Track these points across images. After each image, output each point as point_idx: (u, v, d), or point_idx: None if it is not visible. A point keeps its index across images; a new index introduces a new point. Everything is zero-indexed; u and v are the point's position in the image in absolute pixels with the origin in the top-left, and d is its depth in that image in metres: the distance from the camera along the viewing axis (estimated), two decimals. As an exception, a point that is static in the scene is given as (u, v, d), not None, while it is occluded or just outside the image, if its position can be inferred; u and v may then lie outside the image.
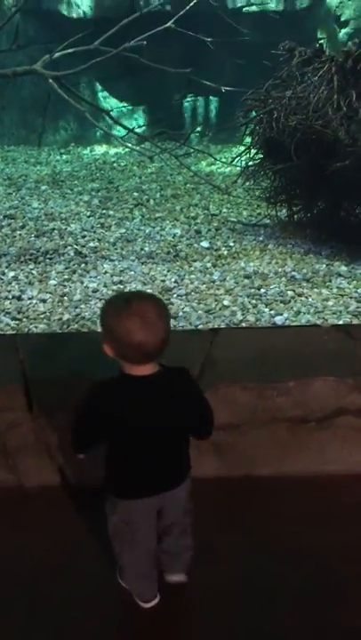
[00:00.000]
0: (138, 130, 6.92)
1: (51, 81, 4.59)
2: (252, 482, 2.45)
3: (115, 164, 6.90)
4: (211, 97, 7.54)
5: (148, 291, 3.88)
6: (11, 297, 3.79)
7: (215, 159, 5.57)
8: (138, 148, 5.48)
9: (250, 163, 4.81)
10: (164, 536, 1.99)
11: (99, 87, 7.16)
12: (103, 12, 6.64)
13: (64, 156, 7.29)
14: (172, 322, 3.52)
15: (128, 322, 1.70)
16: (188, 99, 7.69)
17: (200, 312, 3.59)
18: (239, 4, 7.26)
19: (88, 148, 7.46)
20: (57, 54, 4.66)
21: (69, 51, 4.67)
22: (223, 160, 5.87)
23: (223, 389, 2.39)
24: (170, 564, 2.06)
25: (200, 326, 3.45)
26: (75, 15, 6.86)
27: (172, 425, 1.84)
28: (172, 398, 1.83)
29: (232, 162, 5.10)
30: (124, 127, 5.49)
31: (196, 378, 2.43)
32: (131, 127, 6.26)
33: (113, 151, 7.36)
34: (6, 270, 4.16)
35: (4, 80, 6.43)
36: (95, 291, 3.89)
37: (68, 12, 6.84)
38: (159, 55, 4.97)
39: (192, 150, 5.60)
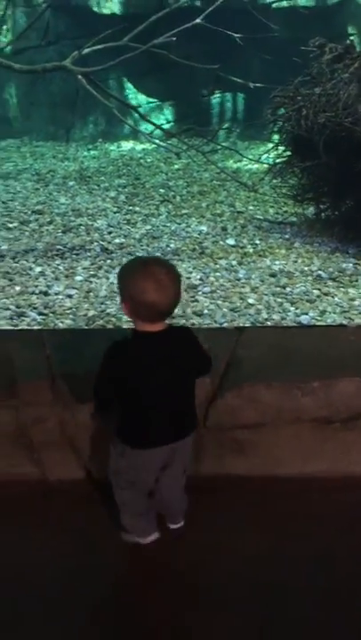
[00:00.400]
0: (165, 126, 6.94)
1: (80, 77, 4.61)
2: (276, 481, 2.44)
3: (141, 161, 6.91)
4: (239, 93, 7.50)
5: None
6: (37, 292, 3.82)
7: (242, 156, 5.54)
8: (165, 144, 5.49)
9: (277, 160, 4.78)
10: (163, 483, 2.12)
11: (127, 83, 7.17)
12: (133, 9, 6.64)
13: (91, 152, 7.33)
14: (197, 319, 3.53)
15: (143, 283, 1.89)
16: (216, 95, 7.67)
17: (225, 310, 3.59)
18: (269, 0, 7.21)
19: (115, 144, 7.49)
20: (86, 50, 4.68)
21: (99, 47, 4.69)
22: (250, 157, 5.84)
23: (248, 388, 2.38)
24: (169, 513, 2.23)
25: (225, 324, 3.44)
26: (105, 11, 6.87)
27: (180, 373, 2.01)
28: (179, 349, 2.01)
29: (260, 159, 5.08)
30: (152, 123, 5.50)
31: (221, 376, 2.44)
32: (158, 123, 6.27)
33: (140, 147, 7.37)
34: (33, 265, 4.20)
35: (33, 76, 6.49)
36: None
37: (99, 8, 6.85)
38: (188, 51, 4.96)
39: (219, 147, 5.58)
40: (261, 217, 5.11)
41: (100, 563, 2.17)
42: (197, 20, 4.45)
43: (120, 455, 2.06)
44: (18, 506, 2.37)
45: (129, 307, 1.94)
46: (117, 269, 4.10)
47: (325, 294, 3.74)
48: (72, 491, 2.42)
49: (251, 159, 5.70)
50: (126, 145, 7.50)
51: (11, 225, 4.95)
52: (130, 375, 1.96)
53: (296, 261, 4.26)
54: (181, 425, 2.06)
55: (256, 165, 6.08)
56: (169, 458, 2.07)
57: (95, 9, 6.85)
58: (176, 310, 3.60)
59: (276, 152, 4.77)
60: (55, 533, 2.29)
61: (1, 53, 4.92)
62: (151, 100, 7.60)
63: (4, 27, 6.33)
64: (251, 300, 3.68)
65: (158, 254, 4.40)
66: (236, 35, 4.50)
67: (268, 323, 3.44)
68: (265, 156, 4.90)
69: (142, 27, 4.56)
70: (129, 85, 7.21)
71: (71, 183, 6.07)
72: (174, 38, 4.38)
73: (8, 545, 2.24)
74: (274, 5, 7.23)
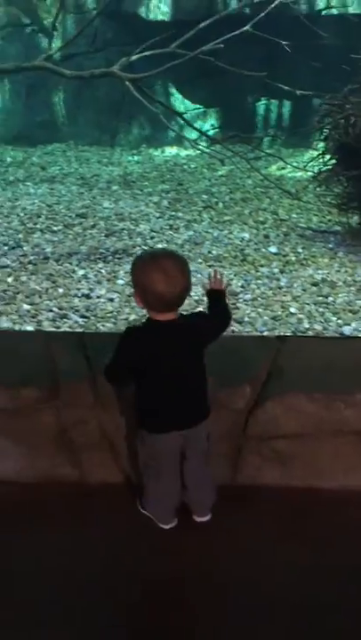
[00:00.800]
0: (210, 132, 6.94)
1: (127, 83, 4.66)
2: (315, 494, 2.40)
3: (185, 166, 6.93)
4: (285, 100, 7.46)
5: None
6: (80, 295, 3.87)
7: (286, 163, 5.51)
8: (208, 150, 5.49)
9: (323, 168, 4.74)
10: (186, 473, 2.19)
11: (173, 89, 7.22)
12: (182, 16, 6.68)
13: (135, 157, 7.39)
14: (238, 327, 3.51)
15: (152, 274, 1.99)
16: (262, 101, 7.65)
17: (266, 318, 3.56)
18: (319, 7, 7.16)
19: (159, 150, 7.53)
20: (134, 57, 4.72)
21: (147, 53, 4.73)
22: (294, 164, 5.81)
23: (289, 399, 2.36)
24: (196, 505, 2.26)
25: (265, 332, 3.42)
26: (153, 18, 6.93)
27: (190, 361, 2.10)
28: (189, 337, 2.10)
29: (305, 167, 5.04)
30: (197, 130, 5.53)
31: (263, 385, 2.42)
32: (203, 129, 6.30)
33: (184, 153, 7.40)
34: (76, 268, 4.25)
35: (80, 81, 6.57)
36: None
37: (147, 15, 6.92)
38: (235, 57, 4.96)
39: (263, 154, 5.56)
40: (305, 225, 5.07)
41: (136, 565, 2.17)
42: (246, 28, 4.45)
43: (141, 443, 2.18)
44: (57, 507, 2.39)
45: (140, 297, 2.05)
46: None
47: (369, 305, 3.69)
48: (110, 493, 2.43)
49: (295, 167, 5.67)
50: (170, 150, 7.54)
51: (55, 228, 5.02)
52: (141, 361, 2.06)
53: (339, 271, 4.21)
54: (191, 412, 2.14)
55: (300, 173, 6.04)
56: (185, 445, 2.14)
57: (144, 16, 6.92)
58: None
59: (321, 160, 4.73)
60: (93, 536, 2.30)
61: (50, 59, 4.99)
62: (196, 106, 7.63)
63: (55, 33, 6.43)
64: (292, 309, 3.65)
65: (200, 260, 4.41)
66: (284, 42, 4.48)
67: (310, 332, 3.41)
68: (310, 163, 4.86)
69: (191, 34, 4.58)
70: (175, 91, 7.26)
71: (115, 187, 6.13)
72: (222, 45, 4.38)
73: (46, 546, 2.26)
74: (323, 13, 7.18)
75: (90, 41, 6.06)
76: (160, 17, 6.94)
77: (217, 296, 2.25)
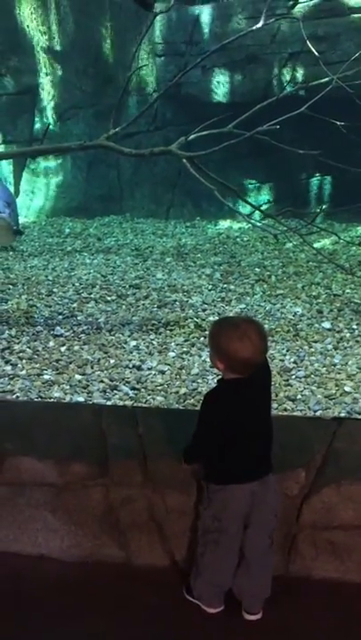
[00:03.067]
0: (263, 206, 7.05)
1: (184, 161, 4.81)
2: (373, 591, 2.26)
3: (238, 239, 7.02)
4: (338, 177, 7.55)
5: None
6: (131, 366, 3.87)
7: (340, 238, 5.51)
8: (261, 224, 5.56)
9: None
10: (248, 550, 2.15)
11: (227, 164, 7.42)
12: (239, 98, 6.94)
13: (189, 230, 7.54)
14: (291, 405, 3.43)
15: (238, 343, 2.10)
16: (316, 177, 7.76)
17: (319, 396, 3.48)
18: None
19: (212, 223, 7.68)
20: (192, 136, 4.89)
21: (204, 133, 4.90)
22: (348, 239, 5.79)
23: (346, 486, 2.25)
24: (248, 597, 2.19)
25: (319, 412, 3.33)
26: (211, 100, 7.22)
27: (264, 413, 2.21)
28: (263, 389, 2.23)
29: (359, 242, 5.02)
30: (250, 204, 5.60)
31: (318, 470, 2.33)
32: (257, 204, 6.40)
33: (237, 226, 7.51)
34: (128, 339, 4.28)
35: (138, 158, 6.84)
36: (213, 366, 3.89)
37: (205, 96, 7.21)
38: (289, 135, 5.09)
39: (316, 229, 5.58)
40: (359, 301, 5.00)
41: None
42: (302, 109, 4.56)
43: (207, 502, 2.15)
44: (100, 589, 2.31)
45: (225, 364, 2.14)
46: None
47: None
48: (156, 577, 2.34)
49: (348, 241, 5.66)
50: (223, 223, 7.67)
51: (109, 298, 5.11)
52: (228, 420, 2.12)
53: (396, 349, 4.10)
54: (263, 462, 2.18)
55: (354, 248, 6.03)
56: (252, 506, 2.12)
57: (202, 98, 7.21)
58: (269, 393, 3.55)
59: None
60: (136, 620, 2.20)
61: (112, 138, 5.23)
62: (250, 181, 7.79)
63: (117, 113, 6.76)
64: (347, 388, 3.56)
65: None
66: (339, 122, 4.57)
67: (366, 413, 3.29)
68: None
69: (247, 115, 4.73)
70: (229, 166, 7.46)
71: (168, 259, 6.23)
72: (278, 127, 4.50)
73: (87, 629, 2.17)
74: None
75: (150, 120, 6.34)
76: (217, 99, 7.22)
77: None
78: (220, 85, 7.27)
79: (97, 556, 2.38)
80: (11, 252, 6.28)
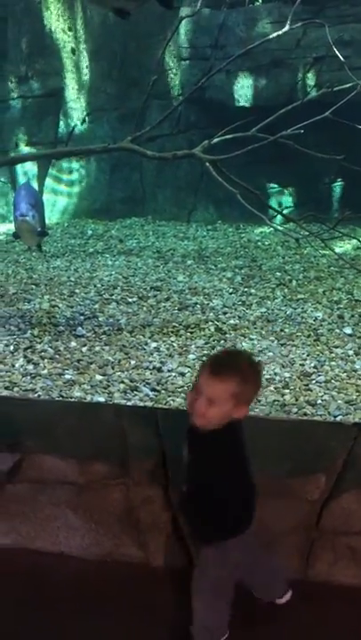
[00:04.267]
0: (285, 211, 7.04)
1: (207, 164, 4.83)
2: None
3: (259, 243, 7.02)
4: (361, 182, 7.52)
5: (286, 374, 3.83)
6: (152, 367, 3.90)
7: (362, 243, 5.48)
8: (283, 228, 5.55)
9: None
10: (255, 574, 2.12)
11: (250, 168, 7.42)
12: (263, 102, 6.93)
13: (210, 233, 7.56)
14: (311, 409, 3.43)
15: (258, 380, 1.96)
16: (338, 182, 7.72)
17: (340, 402, 3.47)
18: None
19: (234, 226, 7.68)
20: (215, 140, 4.91)
21: (228, 137, 4.92)
22: (371, 245, 5.76)
23: (367, 492, 2.25)
24: (270, 593, 2.17)
25: (339, 417, 3.32)
26: (235, 104, 7.23)
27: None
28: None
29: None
30: (272, 208, 5.61)
31: (338, 475, 2.33)
32: (278, 208, 6.39)
33: (258, 230, 7.51)
34: (149, 341, 4.30)
35: (162, 161, 6.87)
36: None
37: (230, 100, 7.23)
38: (313, 140, 5.08)
39: (338, 234, 5.57)
40: (381, 306, 4.98)
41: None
42: (326, 114, 4.56)
43: (212, 559, 1.99)
44: (118, 588, 2.33)
45: (245, 407, 1.91)
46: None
47: None
48: (174, 578, 2.35)
49: (371, 247, 5.62)
50: (245, 227, 7.67)
51: (130, 299, 5.14)
52: (238, 459, 1.96)
53: None
54: (254, 507, 2.02)
55: (376, 253, 5.99)
56: (244, 546, 2.01)
57: (226, 102, 7.22)
58: (288, 398, 3.55)
59: None
60: (153, 620, 2.22)
61: (135, 141, 5.26)
62: (273, 185, 7.78)
63: (141, 116, 6.80)
64: (368, 394, 3.54)
65: (272, 338, 4.38)
66: (362, 127, 4.56)
67: (387, 420, 3.28)
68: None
69: (271, 119, 4.73)
70: (252, 170, 7.46)
71: (190, 262, 6.25)
72: (302, 131, 4.50)
73: (105, 628, 2.19)
74: None
75: (173, 124, 6.35)
76: (241, 103, 7.23)
77: None
78: (245, 89, 7.28)
79: (116, 555, 2.40)
80: (34, 253, 6.33)
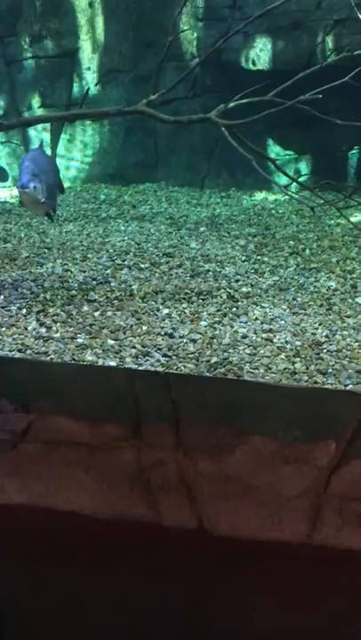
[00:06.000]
0: (300, 178, 6.95)
1: (223, 129, 4.76)
2: None
3: (273, 211, 6.96)
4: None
5: (297, 343, 3.83)
6: (163, 334, 3.91)
7: (378, 213, 5.43)
8: (298, 196, 5.49)
9: None
10: None
11: (265, 135, 7.31)
12: (281, 65, 6.79)
13: (224, 200, 7.49)
14: (321, 378, 3.44)
15: None
16: (355, 150, 7.61)
17: (351, 371, 3.48)
18: None
19: (248, 193, 7.61)
20: (232, 104, 4.84)
21: (245, 101, 4.83)
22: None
23: (376, 460, 2.26)
24: None
25: (350, 386, 3.33)
26: (252, 67, 7.09)
27: None
28: None
29: None
30: (288, 176, 5.54)
31: (348, 442, 2.34)
32: (293, 175, 6.31)
33: (272, 198, 7.44)
34: (161, 307, 4.31)
35: (176, 125, 6.77)
36: (244, 337, 3.91)
37: (247, 64, 7.09)
38: (331, 106, 4.98)
39: (354, 202, 5.50)
40: (395, 277, 4.94)
41: (204, 615, 2.11)
42: (346, 79, 4.47)
43: None
44: (128, 547, 2.38)
45: None
46: (243, 318, 4.15)
47: None
48: (183, 539, 2.39)
49: (387, 217, 5.56)
50: (259, 195, 7.60)
51: (142, 265, 5.13)
52: None
53: None
54: None
55: (392, 223, 5.90)
56: None
57: (243, 65, 7.08)
58: (299, 366, 3.57)
59: None
60: (162, 580, 2.27)
61: (150, 104, 5.18)
62: (289, 152, 7.68)
63: (155, 79, 6.68)
64: (379, 364, 3.54)
65: (284, 307, 4.37)
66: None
67: None
68: None
69: (289, 83, 4.65)
70: (267, 137, 7.35)
71: (202, 229, 6.22)
72: (320, 96, 4.42)
73: (114, 585, 2.25)
74: None
75: (188, 87, 6.25)
76: (259, 66, 7.09)
77: None
78: (263, 52, 7.13)
79: (127, 515, 2.43)
80: (46, 218, 6.31)
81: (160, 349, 3.73)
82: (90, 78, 7.85)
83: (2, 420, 2.46)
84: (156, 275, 4.96)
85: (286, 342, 3.82)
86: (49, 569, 2.33)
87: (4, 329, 3.94)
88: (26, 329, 3.95)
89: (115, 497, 2.44)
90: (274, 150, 7.44)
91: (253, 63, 7.02)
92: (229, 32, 5.59)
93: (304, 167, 7.61)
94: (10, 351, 3.65)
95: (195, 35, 7.46)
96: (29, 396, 2.56)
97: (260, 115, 4.63)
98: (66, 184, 7.96)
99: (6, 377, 2.77)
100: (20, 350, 3.70)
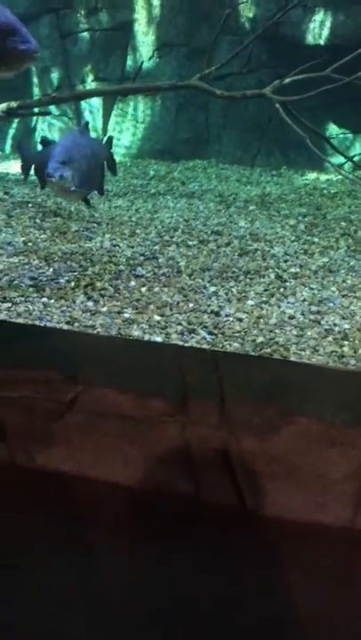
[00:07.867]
0: (355, 158, 6.78)
1: (277, 105, 4.67)
2: None
3: (325, 191, 6.81)
4: None
5: (346, 326, 3.77)
6: (209, 312, 3.90)
7: None
8: (353, 176, 5.36)
9: None
10: None
11: (320, 112, 7.14)
12: (339, 40, 6.60)
13: (275, 179, 7.37)
14: (369, 362, 3.38)
15: None
16: None
17: None
18: None
19: (300, 172, 7.46)
20: (288, 80, 4.74)
21: (301, 77, 4.73)
22: None
23: None
24: None
25: None
26: (310, 42, 6.91)
27: None
28: None
29: None
30: (343, 155, 5.42)
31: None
32: (349, 155, 6.16)
33: (324, 177, 7.27)
34: (208, 285, 4.29)
35: (228, 101, 6.67)
36: (291, 317, 3.86)
37: (304, 38, 6.91)
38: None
39: None
40: None
41: (241, 593, 2.13)
42: None
43: None
44: (168, 523, 2.40)
45: None
46: (290, 298, 4.10)
47: None
48: (224, 516, 2.40)
49: None
50: (311, 174, 7.45)
51: (190, 243, 5.11)
52: None
53: None
54: None
55: None
56: None
57: (300, 40, 6.91)
58: (347, 350, 3.51)
59: None
60: (202, 553, 2.29)
61: (204, 79, 5.11)
62: (345, 130, 7.49)
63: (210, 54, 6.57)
64: None
65: (333, 289, 4.30)
66: None
67: None
68: None
69: (347, 58, 4.52)
70: (322, 114, 7.17)
71: (252, 207, 6.14)
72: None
73: (155, 556, 2.28)
74: None
75: (243, 62, 6.15)
76: (317, 41, 6.90)
77: None
78: (322, 26, 6.93)
79: (169, 489, 2.46)
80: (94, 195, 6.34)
81: (206, 327, 3.72)
82: (144, 52, 7.79)
83: (50, 390, 2.50)
84: (204, 252, 4.93)
85: (335, 325, 3.76)
86: (88, 539, 2.37)
87: (52, 301, 4.00)
88: (74, 302, 4.00)
89: (158, 471, 2.47)
90: (329, 128, 7.26)
91: (312, 38, 6.84)
92: (288, 5, 5.45)
93: (360, 146, 7.41)
94: (58, 323, 3.70)
95: (252, 8, 7.29)
96: (77, 367, 2.59)
97: (316, 91, 4.52)
98: (116, 159, 7.99)
99: (55, 348, 2.81)
100: (68, 323, 3.74)
